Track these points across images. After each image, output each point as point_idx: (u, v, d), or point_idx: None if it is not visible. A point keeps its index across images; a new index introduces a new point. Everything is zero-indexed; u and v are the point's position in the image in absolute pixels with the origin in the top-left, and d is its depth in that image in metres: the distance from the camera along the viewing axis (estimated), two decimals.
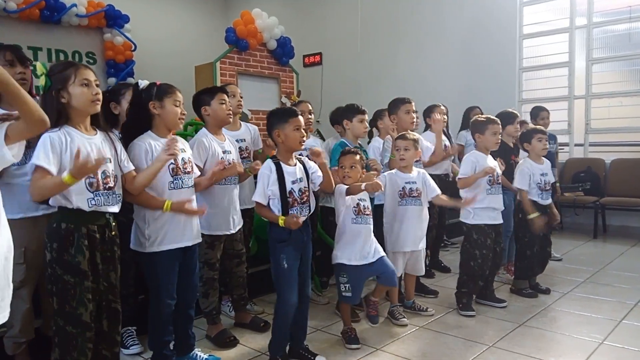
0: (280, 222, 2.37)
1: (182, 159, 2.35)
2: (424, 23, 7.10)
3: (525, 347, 2.68)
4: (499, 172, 3.31)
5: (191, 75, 6.88)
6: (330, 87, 7.95)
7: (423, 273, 3.32)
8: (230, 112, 2.85)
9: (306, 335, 2.64)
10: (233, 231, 2.83)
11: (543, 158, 3.58)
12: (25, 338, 2.38)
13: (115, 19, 7.33)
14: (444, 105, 4.33)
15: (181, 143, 2.39)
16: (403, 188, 3.08)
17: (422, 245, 3.17)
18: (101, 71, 7.44)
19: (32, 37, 6.65)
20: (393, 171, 3.15)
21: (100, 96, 2.00)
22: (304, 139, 2.52)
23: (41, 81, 1.91)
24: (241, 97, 3.27)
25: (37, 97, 1.97)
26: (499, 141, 3.28)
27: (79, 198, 1.91)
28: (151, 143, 2.28)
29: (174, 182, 2.32)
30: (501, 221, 3.33)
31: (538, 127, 3.73)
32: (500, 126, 3.29)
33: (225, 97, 2.81)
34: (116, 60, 7.46)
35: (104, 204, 1.98)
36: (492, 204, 3.25)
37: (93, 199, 1.95)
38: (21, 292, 2.32)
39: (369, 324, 3.00)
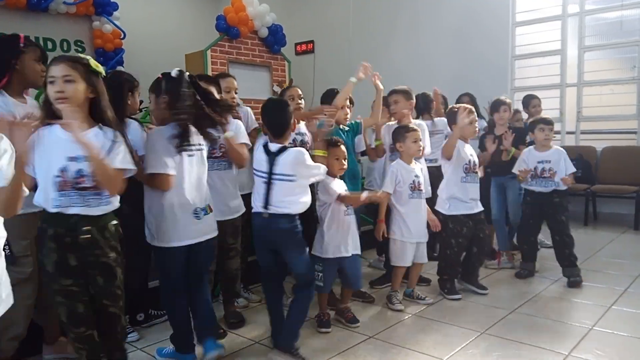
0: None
1: None
2: (417, 10, 7.06)
3: (516, 333, 2.71)
4: (477, 160, 3.34)
5: (181, 63, 6.79)
6: (323, 76, 7.85)
7: (427, 260, 3.29)
8: None
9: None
10: (220, 218, 2.61)
11: (553, 146, 3.63)
12: (22, 337, 2.31)
13: (103, 7, 7.20)
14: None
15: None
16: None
17: (426, 236, 3.22)
18: None
19: (19, 26, 6.48)
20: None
21: (65, 94, 1.77)
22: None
23: None
24: (236, 93, 3.11)
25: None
26: (477, 130, 3.35)
27: (43, 196, 1.80)
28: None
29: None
30: (480, 209, 3.34)
31: (545, 117, 3.76)
32: (475, 114, 3.30)
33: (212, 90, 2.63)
34: (105, 48, 7.34)
35: (71, 205, 1.78)
36: (468, 194, 3.25)
37: (58, 199, 1.77)
38: (26, 287, 2.23)
39: (350, 326, 2.85)
